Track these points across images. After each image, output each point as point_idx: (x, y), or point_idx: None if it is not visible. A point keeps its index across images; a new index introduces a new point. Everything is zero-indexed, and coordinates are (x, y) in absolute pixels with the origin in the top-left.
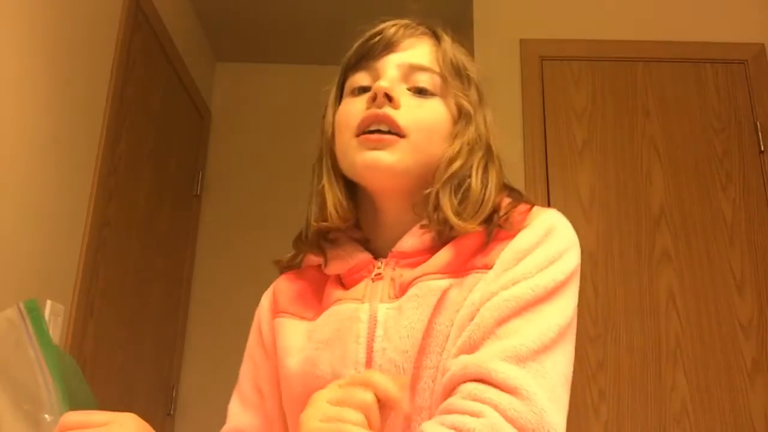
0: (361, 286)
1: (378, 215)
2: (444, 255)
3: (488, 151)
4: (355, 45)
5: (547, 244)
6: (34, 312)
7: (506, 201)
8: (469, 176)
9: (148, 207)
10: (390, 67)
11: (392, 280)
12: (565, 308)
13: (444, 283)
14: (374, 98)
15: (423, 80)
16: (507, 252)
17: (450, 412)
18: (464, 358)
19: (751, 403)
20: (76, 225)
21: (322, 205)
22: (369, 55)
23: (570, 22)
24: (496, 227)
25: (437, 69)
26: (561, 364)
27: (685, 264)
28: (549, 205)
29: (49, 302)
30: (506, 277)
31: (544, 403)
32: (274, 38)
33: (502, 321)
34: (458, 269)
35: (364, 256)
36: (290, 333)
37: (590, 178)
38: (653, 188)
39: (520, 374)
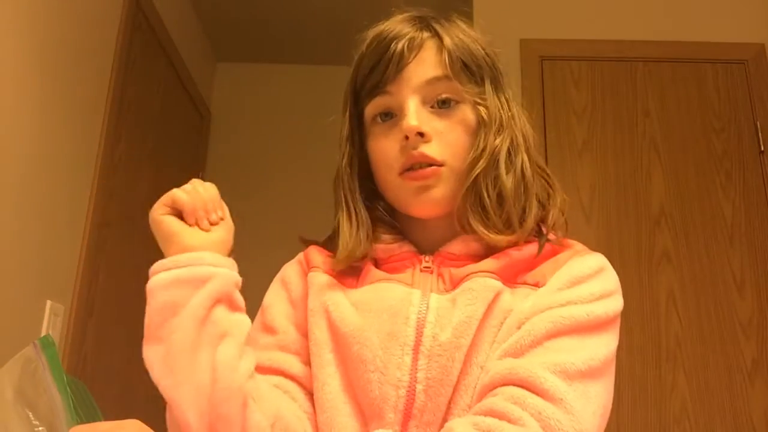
0: (407, 273)
1: (423, 222)
2: (494, 261)
3: (513, 143)
4: (362, 66)
5: (601, 279)
6: (48, 347)
7: (556, 217)
8: (497, 181)
9: (148, 207)
10: (409, 94)
11: (441, 275)
12: (610, 343)
13: (497, 284)
14: (407, 137)
15: (441, 91)
16: (563, 273)
17: (488, 413)
18: (511, 362)
19: (751, 403)
20: (76, 225)
21: (334, 236)
22: (382, 81)
23: (570, 22)
24: (545, 241)
25: (450, 73)
26: (603, 395)
27: (685, 264)
28: None
29: (48, 302)
30: (561, 295)
31: (586, 422)
32: (274, 38)
33: (553, 335)
34: (509, 278)
35: (409, 248)
36: (331, 287)
37: (590, 178)
38: (653, 188)
39: (568, 389)
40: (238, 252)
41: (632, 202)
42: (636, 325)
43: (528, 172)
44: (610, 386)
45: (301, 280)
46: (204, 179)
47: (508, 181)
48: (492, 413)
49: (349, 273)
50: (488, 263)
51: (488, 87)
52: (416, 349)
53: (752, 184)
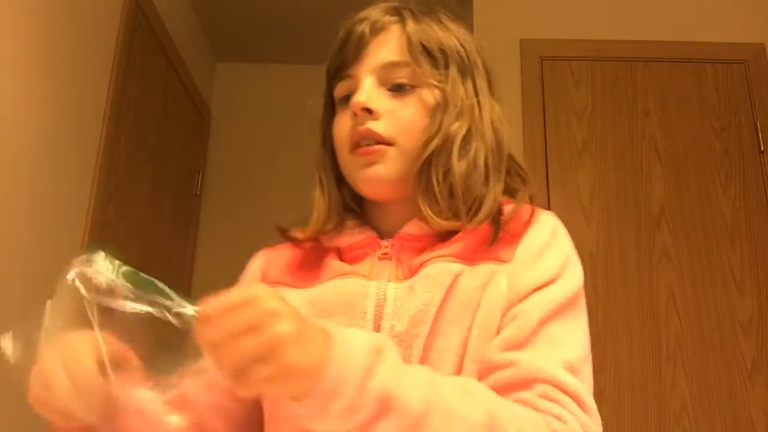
0: (366, 263)
1: (382, 206)
2: (453, 244)
3: (471, 130)
4: (333, 49)
5: (557, 245)
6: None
7: (507, 204)
8: (447, 165)
9: (148, 207)
10: (365, 74)
11: (399, 261)
12: (585, 314)
13: (456, 266)
14: (355, 114)
15: (397, 76)
16: (522, 249)
17: (528, 406)
18: (523, 357)
19: (751, 403)
20: (76, 225)
21: (310, 212)
22: (345, 63)
23: (570, 22)
24: (500, 228)
25: (408, 59)
26: (591, 372)
27: (685, 264)
28: (549, 205)
29: (49, 302)
30: (533, 275)
31: (596, 411)
32: (274, 38)
33: (545, 321)
34: (469, 257)
35: (369, 234)
36: (289, 299)
37: (590, 178)
38: (653, 188)
39: (580, 386)
40: (237, 251)
41: (632, 202)
42: (636, 325)
43: (481, 162)
44: (590, 354)
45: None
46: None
47: (459, 167)
48: (536, 409)
49: (308, 265)
50: (450, 245)
51: (453, 73)
52: None
53: (752, 184)
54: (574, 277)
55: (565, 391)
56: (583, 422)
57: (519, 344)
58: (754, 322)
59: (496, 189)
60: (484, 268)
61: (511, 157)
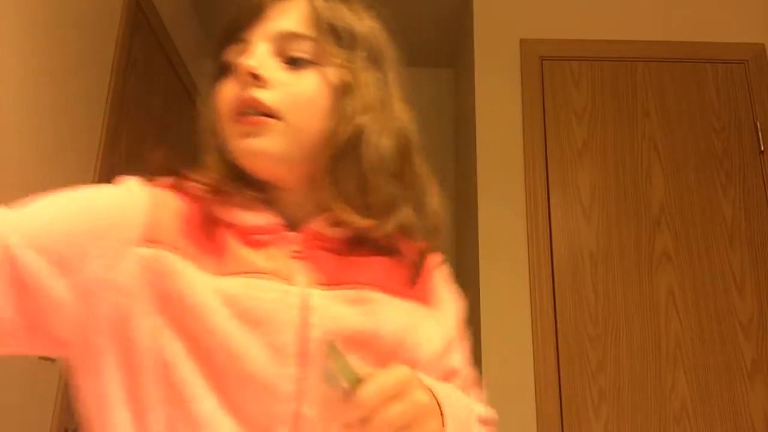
0: (277, 259)
1: (281, 193)
2: (376, 271)
3: (382, 124)
4: (231, 9)
5: (451, 291)
6: None
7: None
8: (361, 158)
9: None
10: (259, 40)
11: (314, 262)
12: None
13: (385, 298)
14: (243, 81)
15: (296, 49)
16: (442, 295)
17: None
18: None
19: (751, 403)
20: None
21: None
22: (239, 26)
23: (570, 22)
24: (422, 261)
25: (311, 32)
26: None
27: (685, 264)
28: (549, 204)
29: None
30: (452, 324)
31: None
32: None
33: (471, 375)
34: (394, 290)
35: (275, 219)
36: (199, 283)
37: (590, 178)
38: (653, 188)
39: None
40: None
41: (632, 202)
42: (636, 325)
43: (389, 161)
44: None
45: (142, 242)
46: None
47: (371, 162)
48: None
49: (204, 234)
50: (371, 268)
51: (362, 58)
52: (303, 357)
53: (752, 184)
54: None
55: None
56: None
57: (464, 386)
58: (754, 322)
59: (407, 200)
60: (410, 306)
61: (423, 168)
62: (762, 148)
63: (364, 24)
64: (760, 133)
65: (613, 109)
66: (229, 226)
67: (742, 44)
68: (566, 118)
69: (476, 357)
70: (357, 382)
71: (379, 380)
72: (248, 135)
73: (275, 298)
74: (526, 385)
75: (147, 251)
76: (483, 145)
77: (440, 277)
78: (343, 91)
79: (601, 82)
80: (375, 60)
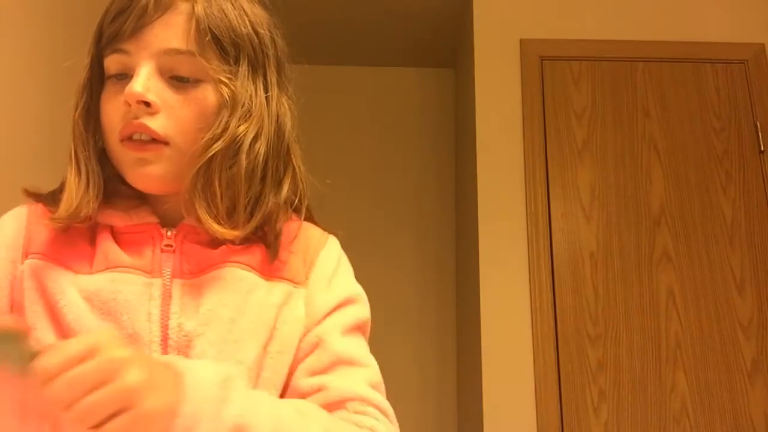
0: (146, 254)
1: (161, 197)
2: (250, 254)
3: (260, 132)
4: (111, 8)
5: (346, 270)
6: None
7: (295, 221)
8: (232, 169)
9: None
10: (144, 59)
11: (184, 253)
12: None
13: (252, 277)
14: (130, 104)
15: (180, 67)
16: (316, 273)
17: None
18: (331, 381)
19: (751, 403)
20: None
21: (60, 192)
22: (121, 34)
23: (570, 22)
24: (278, 246)
25: (194, 48)
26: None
27: (685, 264)
28: (549, 205)
29: None
30: (328, 299)
31: (396, 423)
32: None
33: (343, 342)
34: (265, 272)
35: (149, 218)
36: (55, 273)
37: (590, 178)
38: (653, 188)
39: (385, 402)
40: None
41: (632, 202)
42: (636, 325)
43: (260, 166)
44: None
45: (18, 259)
46: None
47: (243, 170)
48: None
49: (77, 238)
50: (242, 254)
51: (243, 69)
52: (164, 345)
53: (752, 184)
54: (364, 304)
55: (374, 406)
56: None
57: (324, 369)
58: (754, 322)
59: (272, 189)
60: (281, 287)
61: (289, 157)
62: (762, 148)
63: (246, 23)
64: (760, 133)
65: (613, 109)
66: (106, 227)
67: (742, 44)
68: (566, 118)
69: (476, 357)
70: (33, 357)
71: (61, 347)
72: (142, 162)
73: (135, 290)
74: (526, 385)
75: (27, 262)
76: (483, 145)
77: (326, 254)
78: (225, 107)
79: (601, 82)
80: (256, 64)
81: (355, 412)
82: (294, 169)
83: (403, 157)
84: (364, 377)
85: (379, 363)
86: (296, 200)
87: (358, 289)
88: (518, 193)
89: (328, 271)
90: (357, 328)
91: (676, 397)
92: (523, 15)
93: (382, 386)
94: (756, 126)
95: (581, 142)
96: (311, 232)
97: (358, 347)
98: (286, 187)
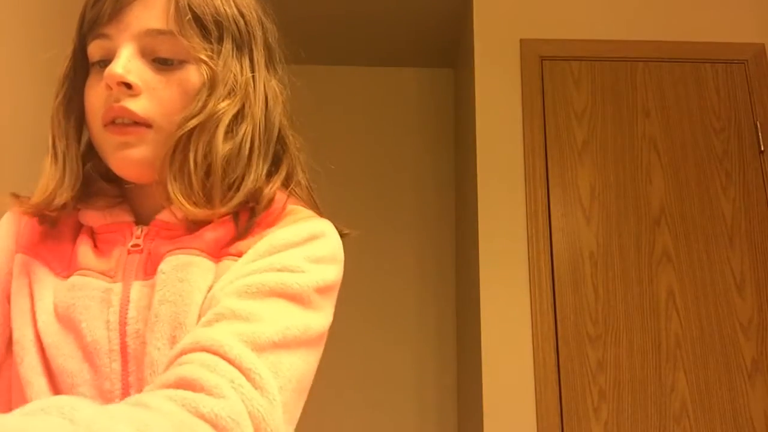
0: (114, 255)
1: (142, 187)
2: (202, 236)
3: (243, 110)
4: (88, 1)
5: (308, 248)
6: None
7: (277, 193)
8: (209, 147)
9: None
10: (125, 41)
11: (149, 254)
12: (317, 318)
13: (197, 260)
14: (111, 87)
15: (162, 48)
16: (262, 243)
17: (179, 383)
18: (197, 332)
19: (751, 403)
20: None
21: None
22: (100, 17)
23: (570, 22)
24: (253, 219)
25: (174, 28)
26: (298, 369)
27: (685, 264)
28: (549, 205)
29: None
30: (255, 265)
31: (273, 395)
32: None
33: (243, 304)
34: (216, 252)
35: (125, 217)
36: (44, 286)
37: (590, 178)
38: (653, 188)
39: (256, 360)
40: None
41: (632, 202)
42: (636, 325)
43: (247, 145)
44: (311, 361)
45: (13, 250)
46: None
47: (223, 149)
48: (183, 382)
49: (61, 239)
50: (194, 239)
51: (227, 48)
52: (123, 354)
53: (752, 184)
54: (310, 276)
55: (232, 363)
56: (249, 398)
57: (207, 322)
58: (754, 322)
59: (258, 170)
60: (225, 265)
61: (281, 139)
62: (762, 148)
63: (230, 4)
64: (760, 133)
65: (613, 109)
66: (88, 229)
67: (742, 44)
68: (566, 118)
69: (476, 357)
70: None
71: None
72: (124, 146)
73: (95, 296)
74: (526, 385)
75: (18, 256)
76: (483, 145)
77: (278, 231)
78: (206, 87)
79: (601, 82)
80: (241, 44)
81: (202, 366)
82: (289, 154)
83: (402, 157)
84: (243, 330)
85: (379, 362)
86: (291, 185)
87: (317, 262)
88: (518, 193)
89: (277, 244)
90: (274, 293)
91: (676, 397)
92: (523, 15)
93: (281, 360)
94: (756, 126)
95: (581, 142)
96: (296, 213)
97: (263, 306)
98: (276, 170)
